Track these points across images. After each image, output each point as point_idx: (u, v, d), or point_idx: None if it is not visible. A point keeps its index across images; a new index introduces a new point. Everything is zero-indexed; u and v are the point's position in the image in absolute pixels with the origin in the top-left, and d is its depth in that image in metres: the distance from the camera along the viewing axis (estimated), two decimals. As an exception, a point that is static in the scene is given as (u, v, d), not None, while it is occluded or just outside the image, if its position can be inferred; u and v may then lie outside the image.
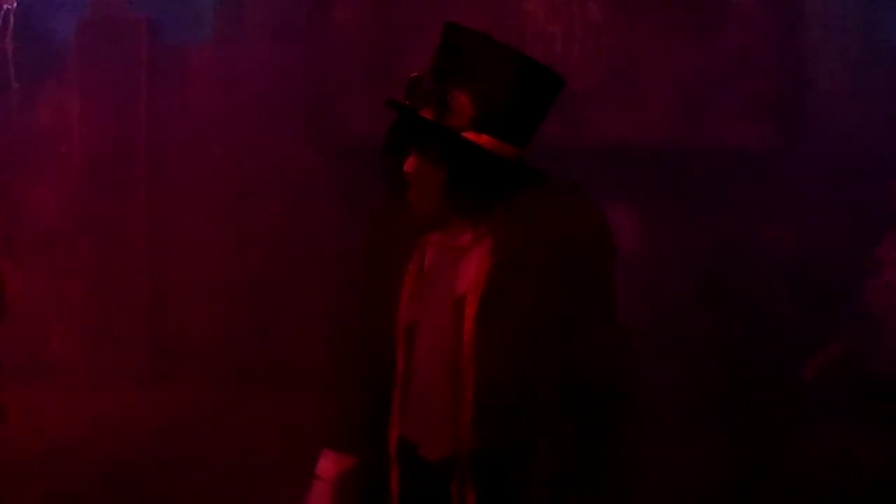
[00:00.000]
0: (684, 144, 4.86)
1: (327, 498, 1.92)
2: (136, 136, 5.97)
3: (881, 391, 4.02)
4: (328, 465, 1.93)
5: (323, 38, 5.38)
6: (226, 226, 5.88)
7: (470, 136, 1.65)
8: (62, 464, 4.45)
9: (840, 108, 5.14)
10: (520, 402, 1.69)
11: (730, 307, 5.02)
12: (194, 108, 5.92)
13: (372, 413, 1.87)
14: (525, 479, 1.69)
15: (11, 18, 5.69)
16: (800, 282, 5.07)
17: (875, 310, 4.02)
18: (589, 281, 1.69)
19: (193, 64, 5.99)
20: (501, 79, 1.65)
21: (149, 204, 6.00)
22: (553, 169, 1.74)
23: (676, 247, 5.03)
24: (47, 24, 6.11)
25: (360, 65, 5.21)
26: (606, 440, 1.70)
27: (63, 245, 6.07)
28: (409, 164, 1.70)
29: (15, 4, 5.67)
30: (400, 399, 1.79)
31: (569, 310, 1.67)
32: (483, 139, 1.65)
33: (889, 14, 5.33)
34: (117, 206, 5.97)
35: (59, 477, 4.28)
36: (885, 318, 3.92)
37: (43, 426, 4.91)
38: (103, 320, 6.01)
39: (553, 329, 1.67)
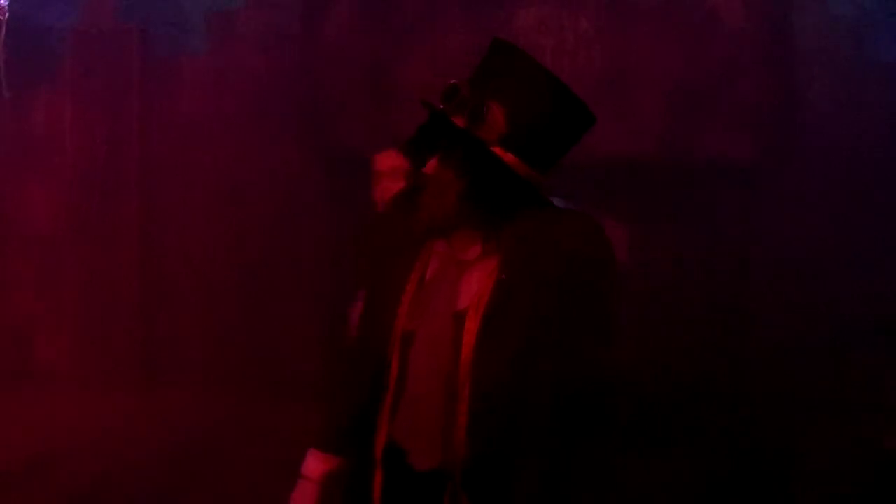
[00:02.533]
0: (675, 156, 4.88)
1: (312, 497, 1.93)
2: (128, 144, 5.98)
3: None
4: (314, 464, 1.94)
5: (315, 46, 5.39)
6: (218, 232, 5.89)
7: (497, 151, 1.66)
8: (52, 470, 4.44)
9: (830, 120, 5.17)
10: (513, 416, 1.69)
11: (720, 318, 5.04)
12: (186, 116, 5.93)
13: (359, 415, 1.88)
14: (514, 491, 1.69)
15: (3, 28, 5.69)
16: (791, 292, 5.09)
17: None
18: (588, 306, 1.70)
19: (185, 73, 6.00)
20: (539, 103, 1.68)
21: (140, 211, 6.01)
22: (543, 180, 1.76)
23: (666, 258, 5.04)
24: (40, 33, 6.12)
25: (352, 73, 5.22)
26: (590, 453, 1.71)
27: (55, 251, 6.06)
28: (430, 167, 1.71)
29: (7, 14, 5.66)
30: (391, 404, 1.80)
31: (565, 331, 1.68)
32: (508, 157, 1.67)
33: (879, 26, 5.36)
34: (109, 213, 5.98)
35: (48, 483, 4.27)
36: None
37: (32, 432, 4.90)
38: (95, 325, 6.00)
39: (549, 348, 1.68)
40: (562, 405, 1.69)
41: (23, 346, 6.06)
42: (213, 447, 4.67)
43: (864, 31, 5.32)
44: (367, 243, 1.95)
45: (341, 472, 1.93)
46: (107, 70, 5.94)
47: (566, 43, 4.86)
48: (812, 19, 5.21)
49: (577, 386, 1.69)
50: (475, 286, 1.73)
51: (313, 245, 5.62)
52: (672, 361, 4.81)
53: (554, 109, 1.69)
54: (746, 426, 4.65)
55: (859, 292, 5.01)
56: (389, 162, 3.22)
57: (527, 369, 1.68)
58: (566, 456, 1.69)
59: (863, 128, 5.15)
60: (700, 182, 5.00)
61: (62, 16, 6.16)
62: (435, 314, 1.76)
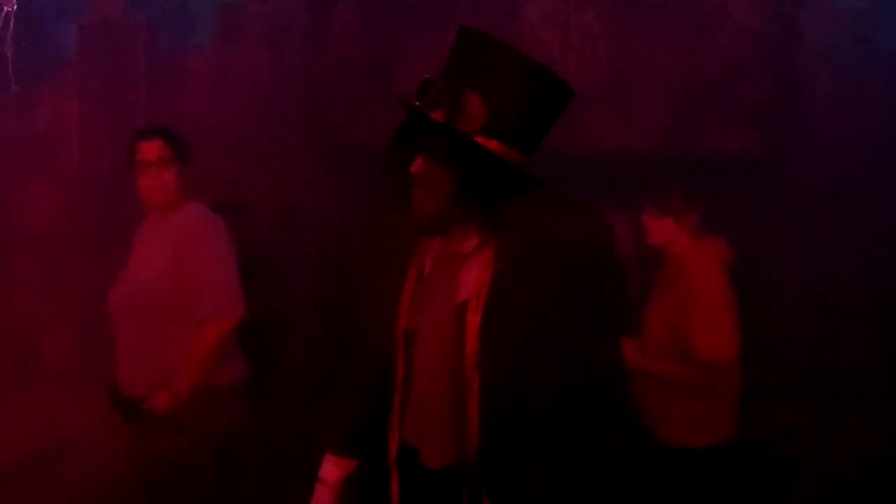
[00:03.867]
0: (679, 151, 4.87)
1: (330, 501, 1.92)
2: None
3: None
4: (331, 468, 1.94)
5: (322, 43, 5.39)
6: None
7: (479, 140, 1.64)
8: (53, 468, 4.44)
9: (835, 116, 5.15)
10: (522, 407, 1.69)
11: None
12: (193, 112, 5.92)
13: (371, 417, 1.87)
14: (519, 489, 1.69)
15: (11, 21, 5.69)
16: (793, 289, 5.07)
17: None
18: (589, 291, 1.69)
19: (192, 68, 6.00)
20: (515, 85, 1.66)
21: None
22: (547, 174, 1.74)
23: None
24: (47, 27, 6.12)
25: (359, 70, 5.21)
26: (595, 443, 1.70)
27: (59, 248, 6.06)
28: (417, 166, 1.70)
29: (15, 7, 5.67)
30: (400, 405, 1.79)
31: (567, 318, 1.67)
32: (492, 144, 1.65)
33: (884, 21, 5.33)
34: (115, 209, 5.97)
35: (50, 482, 4.26)
36: None
37: (34, 430, 4.90)
38: (98, 325, 6.00)
39: (552, 337, 1.67)
40: (566, 395, 1.68)
41: (25, 344, 6.06)
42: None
43: (871, 27, 5.30)
44: (362, 243, 1.95)
45: (358, 474, 1.93)
46: (114, 65, 5.94)
47: (571, 39, 4.85)
48: (818, 14, 5.19)
49: (582, 373, 1.68)
50: (474, 278, 1.72)
51: (316, 243, 5.61)
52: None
53: (530, 89, 1.67)
54: (748, 425, 4.63)
55: (862, 290, 5.00)
56: (155, 152, 3.25)
57: (530, 358, 1.67)
58: (571, 449, 1.68)
59: (869, 125, 5.13)
60: (704, 178, 4.99)
61: (71, 10, 6.16)
62: (436, 310, 1.75)
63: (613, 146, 4.79)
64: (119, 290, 3.35)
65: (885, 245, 4.85)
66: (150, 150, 3.32)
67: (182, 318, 3.20)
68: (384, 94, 5.13)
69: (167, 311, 3.20)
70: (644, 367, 3.30)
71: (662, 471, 3.31)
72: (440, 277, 1.77)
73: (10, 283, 6.05)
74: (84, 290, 6.02)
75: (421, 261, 1.81)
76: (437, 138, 1.66)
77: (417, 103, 1.69)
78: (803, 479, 4.02)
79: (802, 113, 5.02)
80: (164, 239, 3.29)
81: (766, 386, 4.83)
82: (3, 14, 5.44)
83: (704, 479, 3.32)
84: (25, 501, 4.11)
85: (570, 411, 1.68)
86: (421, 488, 1.80)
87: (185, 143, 3.38)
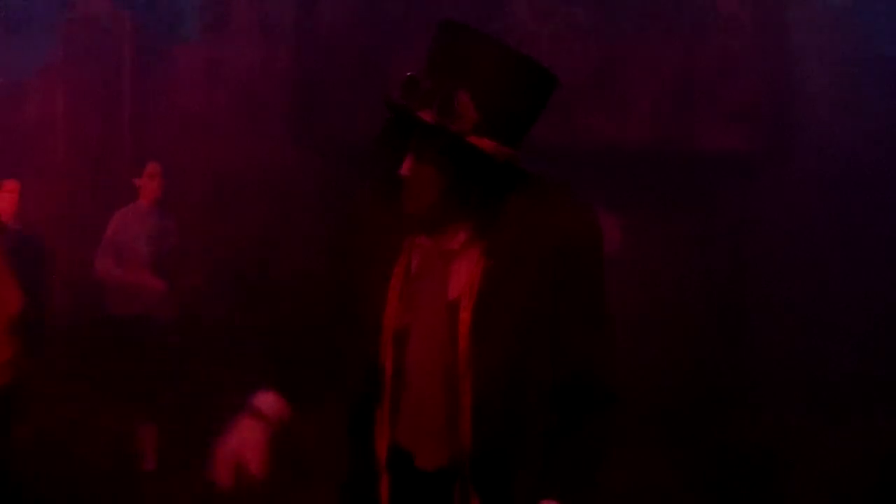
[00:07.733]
0: (670, 147, 4.87)
1: (265, 440, 1.84)
2: (121, 132, 5.97)
3: None
4: (272, 401, 1.89)
5: (309, 36, 5.37)
6: (211, 223, 5.87)
7: (472, 140, 1.60)
8: (54, 466, 4.46)
9: (827, 113, 5.18)
10: (515, 403, 1.67)
11: (714, 310, 5.04)
12: (179, 105, 5.92)
13: (354, 419, 1.82)
14: (517, 476, 1.67)
15: (-4, 14, 5.67)
16: (786, 284, 5.09)
17: None
18: (580, 282, 1.65)
19: (178, 61, 6.00)
20: (503, 81, 1.61)
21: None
22: (538, 170, 1.71)
23: (662, 250, 5.02)
24: (33, 19, 6.12)
25: (346, 64, 5.20)
26: (589, 434, 1.67)
27: (47, 242, 6.03)
28: (407, 167, 1.64)
29: None
30: (390, 406, 1.74)
31: (560, 311, 1.64)
32: (484, 143, 1.60)
33: (876, 20, 5.37)
34: (101, 202, 5.95)
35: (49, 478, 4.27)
36: None
37: (34, 426, 4.89)
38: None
39: (544, 330, 1.65)
40: (561, 389, 1.67)
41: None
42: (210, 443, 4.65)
43: (862, 23, 5.32)
44: (344, 239, 1.89)
45: (288, 422, 1.88)
46: (100, 58, 5.95)
47: (561, 32, 4.84)
48: (810, 11, 5.21)
49: (576, 367, 1.66)
50: (465, 274, 1.67)
51: (308, 238, 5.60)
52: (667, 355, 4.81)
53: (518, 83, 1.62)
54: (743, 421, 4.64)
55: (860, 289, 5.01)
56: None
57: (523, 353, 1.65)
58: (567, 442, 1.66)
59: (860, 120, 5.14)
60: (696, 173, 4.99)
61: (57, 3, 6.16)
62: (427, 308, 1.70)
63: (604, 141, 4.77)
64: None
65: (883, 244, 4.85)
66: None
67: None
68: (374, 88, 5.11)
69: None
70: None
71: None
72: (429, 274, 1.72)
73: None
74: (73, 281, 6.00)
75: (407, 258, 1.75)
76: (428, 139, 1.62)
77: (403, 102, 1.64)
78: (804, 479, 4.03)
79: (796, 109, 5.02)
80: None
81: (766, 386, 4.84)
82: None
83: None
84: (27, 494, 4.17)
85: (564, 405, 1.67)
86: (413, 490, 1.74)
87: None
